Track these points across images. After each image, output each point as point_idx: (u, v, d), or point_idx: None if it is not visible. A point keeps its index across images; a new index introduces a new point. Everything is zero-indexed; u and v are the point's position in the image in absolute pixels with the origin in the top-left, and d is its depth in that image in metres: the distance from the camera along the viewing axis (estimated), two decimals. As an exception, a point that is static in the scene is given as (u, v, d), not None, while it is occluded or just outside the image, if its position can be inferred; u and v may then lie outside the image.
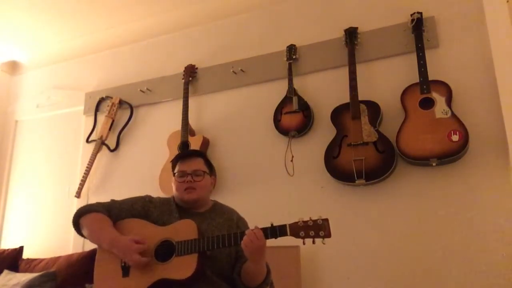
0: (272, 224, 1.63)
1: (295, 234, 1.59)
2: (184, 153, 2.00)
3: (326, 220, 1.59)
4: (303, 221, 1.60)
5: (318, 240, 1.58)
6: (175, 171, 1.92)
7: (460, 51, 2.48)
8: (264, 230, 1.61)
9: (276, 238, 1.62)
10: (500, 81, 2.28)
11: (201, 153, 2.02)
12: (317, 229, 1.58)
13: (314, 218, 1.60)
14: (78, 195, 3.26)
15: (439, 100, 2.34)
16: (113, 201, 1.91)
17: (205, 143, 2.95)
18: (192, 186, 1.85)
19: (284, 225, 1.62)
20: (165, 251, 1.70)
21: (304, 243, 1.60)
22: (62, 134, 3.65)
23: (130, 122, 3.34)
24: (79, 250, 3.09)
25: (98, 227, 1.79)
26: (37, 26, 3.52)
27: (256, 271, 1.69)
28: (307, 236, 1.58)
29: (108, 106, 3.38)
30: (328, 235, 1.58)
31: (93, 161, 3.29)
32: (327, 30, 2.84)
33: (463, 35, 2.50)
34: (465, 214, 2.26)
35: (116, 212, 1.85)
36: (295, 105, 2.70)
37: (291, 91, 2.75)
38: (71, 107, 3.66)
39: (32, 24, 3.49)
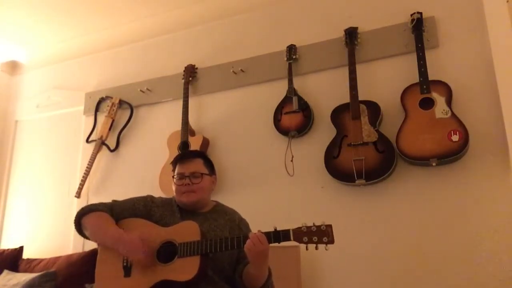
0: (275, 229, 1.62)
1: (298, 239, 1.59)
2: (182, 154, 1.99)
3: (330, 226, 1.58)
4: (307, 227, 1.59)
5: (320, 246, 1.57)
6: (174, 173, 1.92)
7: (460, 51, 2.48)
8: (267, 234, 1.61)
9: (279, 242, 1.61)
10: (500, 81, 2.28)
11: (200, 153, 2.01)
12: (321, 235, 1.57)
13: (317, 223, 1.59)
14: (78, 195, 3.26)
15: (439, 100, 2.34)
16: (114, 201, 1.91)
17: (205, 143, 2.95)
18: (190, 189, 1.85)
19: (288, 230, 1.61)
20: (168, 252, 1.69)
21: (307, 249, 1.59)
22: (62, 134, 3.65)
23: (130, 122, 3.34)
24: (79, 250, 3.09)
25: (102, 225, 1.78)
26: (37, 26, 3.52)
27: (257, 274, 1.69)
28: (310, 241, 1.57)
29: (108, 106, 3.38)
30: (331, 241, 1.57)
31: (93, 161, 3.29)
32: (327, 30, 2.84)
33: (463, 35, 2.50)
34: (465, 214, 2.26)
35: (118, 212, 1.85)
36: (295, 105, 2.70)
37: (291, 91, 2.75)
38: (71, 107, 3.66)
39: (32, 24, 3.49)
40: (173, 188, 1.90)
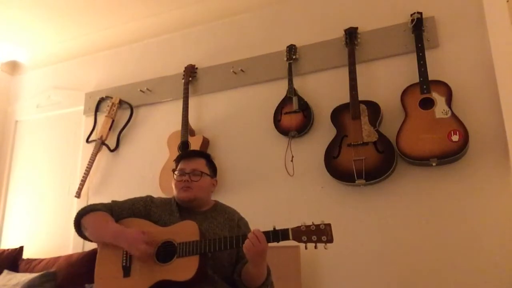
0: (274, 228, 1.62)
1: (297, 239, 1.58)
2: (187, 152, 2.01)
3: (329, 225, 1.58)
4: (306, 226, 1.59)
5: (320, 245, 1.57)
6: (176, 169, 1.93)
7: (460, 51, 2.48)
8: (266, 233, 1.61)
9: (278, 242, 1.61)
10: (500, 81, 2.28)
11: (205, 154, 2.02)
12: (320, 234, 1.57)
13: (316, 222, 1.59)
14: (78, 195, 3.26)
15: (439, 100, 2.34)
16: (114, 201, 1.91)
17: (205, 143, 2.95)
18: (188, 185, 1.86)
19: (287, 229, 1.61)
20: (167, 252, 1.70)
21: (306, 248, 1.59)
22: (62, 134, 3.65)
23: (130, 122, 3.34)
24: (79, 250, 3.09)
25: (102, 223, 1.78)
26: (37, 26, 3.52)
27: (256, 273, 1.69)
28: (309, 240, 1.57)
29: (108, 106, 3.38)
30: (330, 240, 1.56)
31: (93, 161, 3.29)
32: (327, 30, 2.84)
33: (463, 35, 2.50)
34: (465, 214, 2.26)
35: (117, 211, 1.85)
36: (295, 105, 2.70)
37: (291, 91, 2.75)
38: (71, 107, 3.66)
39: (32, 24, 3.49)
40: (173, 184, 1.91)
